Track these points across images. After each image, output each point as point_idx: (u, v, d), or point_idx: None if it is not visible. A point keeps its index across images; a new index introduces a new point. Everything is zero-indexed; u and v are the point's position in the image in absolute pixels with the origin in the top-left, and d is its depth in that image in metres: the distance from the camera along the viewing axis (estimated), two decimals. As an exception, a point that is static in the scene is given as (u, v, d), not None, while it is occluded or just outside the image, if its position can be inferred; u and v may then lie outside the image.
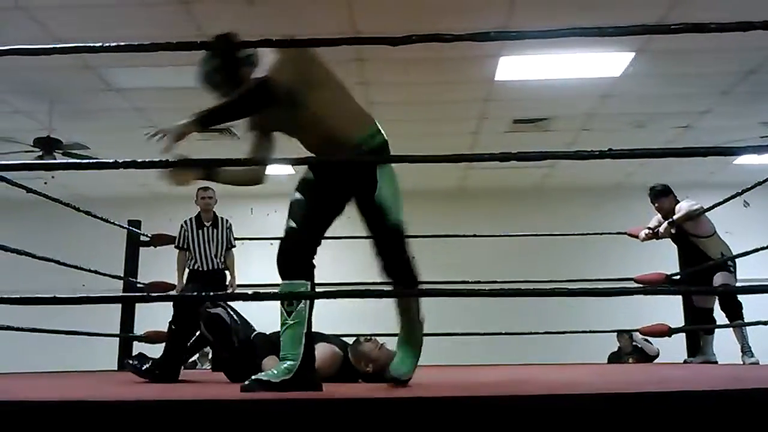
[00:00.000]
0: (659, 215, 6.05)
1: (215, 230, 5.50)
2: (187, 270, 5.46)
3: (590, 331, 6.29)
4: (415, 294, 2.85)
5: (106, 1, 5.37)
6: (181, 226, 5.60)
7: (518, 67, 6.54)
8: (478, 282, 5.34)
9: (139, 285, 5.68)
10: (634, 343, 8.13)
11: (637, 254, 6.94)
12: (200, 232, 5.51)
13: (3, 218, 9.75)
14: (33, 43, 3.24)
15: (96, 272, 4.99)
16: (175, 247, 5.57)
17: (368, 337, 3.35)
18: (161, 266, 6.08)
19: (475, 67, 6.54)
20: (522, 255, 8.89)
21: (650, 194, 6.04)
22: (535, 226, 8.12)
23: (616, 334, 8.06)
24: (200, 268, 5.40)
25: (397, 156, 3.46)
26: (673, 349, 6.83)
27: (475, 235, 6.13)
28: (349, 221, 2.85)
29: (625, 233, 6.11)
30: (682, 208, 5.77)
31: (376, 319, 6.24)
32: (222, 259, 5.44)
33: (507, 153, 2.80)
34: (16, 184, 4.43)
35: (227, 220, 5.51)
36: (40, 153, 7.28)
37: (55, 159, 7.14)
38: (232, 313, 3.59)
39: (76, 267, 4.69)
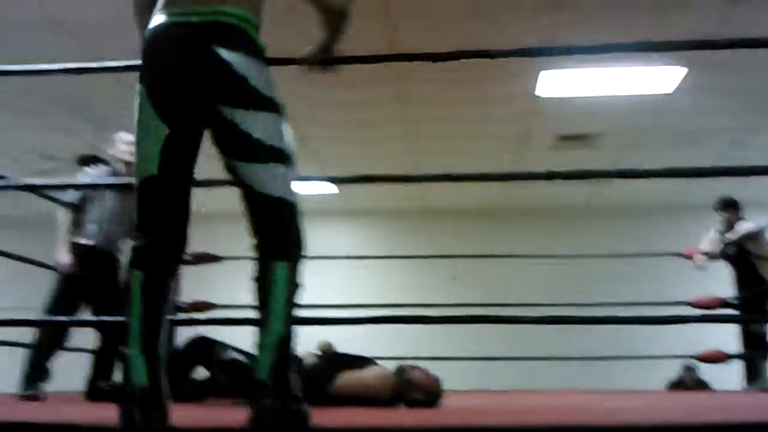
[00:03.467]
0: (711, 234, 5.90)
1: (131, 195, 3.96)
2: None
3: (645, 357, 6.09)
4: (462, 321, 2.72)
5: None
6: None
7: (562, 82, 6.35)
8: (523, 305, 5.15)
9: (181, 305, 5.59)
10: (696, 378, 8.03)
11: (688, 275, 6.68)
12: (109, 191, 3.89)
13: (33, 233, 9.85)
14: (73, 60, 3.20)
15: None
16: (64, 203, 4.01)
17: (412, 365, 3.30)
18: (201, 284, 6.02)
19: (517, 83, 6.36)
20: (568, 276, 8.67)
21: (718, 204, 5.89)
22: (582, 246, 7.92)
23: (681, 366, 8.04)
24: (88, 245, 3.89)
25: (438, 175, 3.34)
26: (728, 376, 6.58)
27: (518, 255, 5.98)
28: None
29: (680, 255, 5.88)
30: (743, 228, 5.64)
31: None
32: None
33: (551, 171, 2.68)
34: (50, 198, 4.44)
35: None
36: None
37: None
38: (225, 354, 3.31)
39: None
